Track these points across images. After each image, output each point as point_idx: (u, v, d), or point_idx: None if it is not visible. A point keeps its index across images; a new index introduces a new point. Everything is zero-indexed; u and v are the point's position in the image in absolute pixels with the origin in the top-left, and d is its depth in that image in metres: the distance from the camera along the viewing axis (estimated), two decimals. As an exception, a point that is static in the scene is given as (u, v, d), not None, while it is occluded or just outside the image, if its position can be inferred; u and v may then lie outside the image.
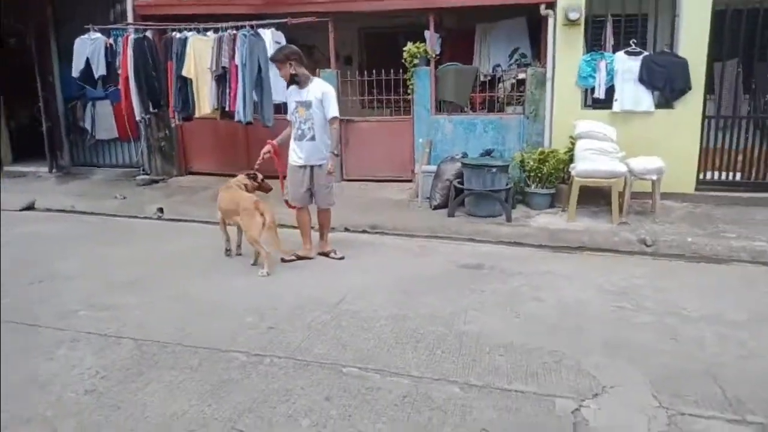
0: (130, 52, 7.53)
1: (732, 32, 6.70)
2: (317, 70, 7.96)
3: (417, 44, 7.54)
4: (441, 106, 7.89)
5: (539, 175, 6.57)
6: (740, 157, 6.87)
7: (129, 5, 8.24)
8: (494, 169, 6.23)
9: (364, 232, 6.11)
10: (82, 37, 7.70)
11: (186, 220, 6.69)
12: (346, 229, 6.12)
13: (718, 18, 6.52)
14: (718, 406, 2.81)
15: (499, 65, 8.31)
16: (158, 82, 7.72)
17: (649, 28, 7.05)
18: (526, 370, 3.14)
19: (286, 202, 5.19)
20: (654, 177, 6.19)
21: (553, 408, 2.80)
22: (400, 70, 7.68)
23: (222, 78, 7.29)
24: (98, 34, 7.70)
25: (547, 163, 6.50)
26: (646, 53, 6.75)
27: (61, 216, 7.06)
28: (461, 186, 6.43)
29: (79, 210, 7.17)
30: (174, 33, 7.49)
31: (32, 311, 3.99)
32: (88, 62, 7.64)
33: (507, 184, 6.40)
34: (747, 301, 4.15)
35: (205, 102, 7.41)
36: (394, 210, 6.73)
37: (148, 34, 7.83)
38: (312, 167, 5.01)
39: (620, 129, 6.48)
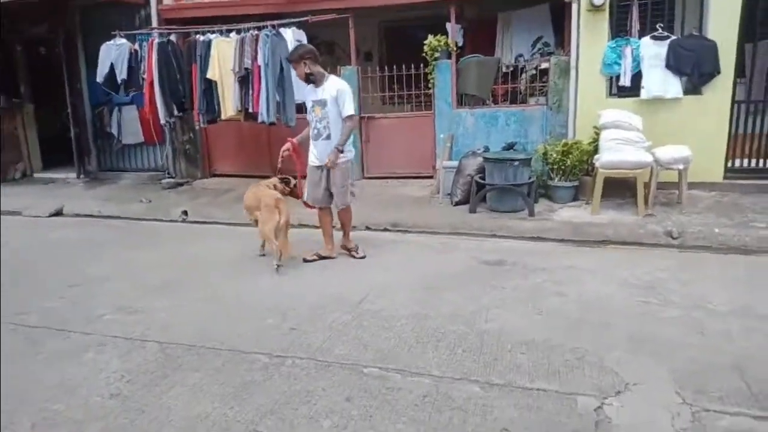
0: (154, 56, 7.66)
1: (764, 12, 6.48)
2: (338, 67, 8.01)
3: (438, 37, 7.47)
4: (462, 99, 7.82)
5: (562, 167, 6.46)
6: (771, 143, 6.65)
7: (153, 10, 8.39)
8: (516, 163, 6.15)
9: (385, 230, 6.11)
10: (107, 42, 7.88)
11: (210, 222, 6.79)
12: (367, 228, 6.12)
13: (749, -3, 6.29)
14: (744, 402, 2.74)
15: (521, 55, 8.19)
16: (182, 85, 7.84)
17: (676, 10, 6.84)
18: (548, 368, 3.11)
19: (305, 202, 5.19)
20: (681, 166, 6.03)
21: (575, 406, 2.76)
22: (421, 65, 7.63)
23: (245, 79, 7.35)
24: (123, 40, 7.86)
25: (570, 155, 6.39)
26: (673, 37, 6.56)
27: (89, 221, 7.25)
28: (483, 181, 6.37)
29: (106, 214, 7.35)
30: (197, 36, 7.59)
31: (63, 316, 4.11)
32: (112, 68, 7.81)
33: (529, 178, 6.32)
34: (778, 294, 4.02)
35: (229, 104, 7.49)
36: (415, 207, 6.71)
37: (173, 37, 7.95)
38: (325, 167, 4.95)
39: (646, 117, 6.31)
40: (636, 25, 6.88)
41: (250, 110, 7.42)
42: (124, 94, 8.30)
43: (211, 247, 5.85)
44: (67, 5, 8.71)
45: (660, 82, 6.61)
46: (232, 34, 7.44)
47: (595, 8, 6.61)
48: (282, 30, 7.26)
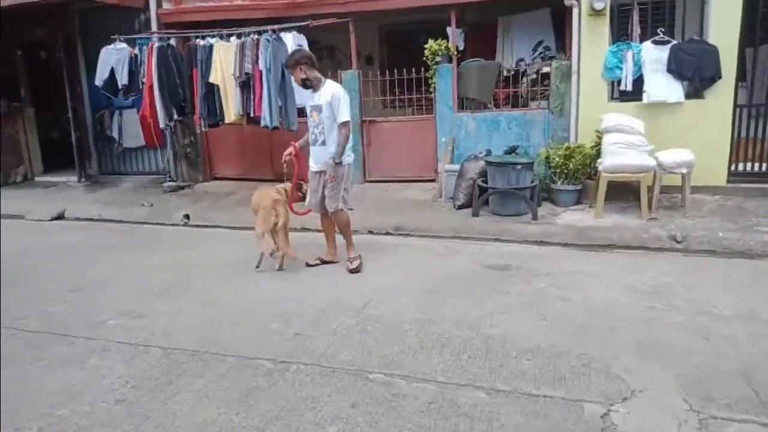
0: (154, 60, 7.66)
1: (765, 16, 6.49)
2: (339, 71, 8.01)
3: (439, 41, 7.48)
4: (464, 103, 7.83)
5: (565, 171, 6.46)
6: (774, 147, 6.66)
7: (153, 14, 8.39)
8: (519, 167, 6.15)
9: (387, 233, 6.09)
10: (107, 47, 7.89)
11: (212, 226, 6.78)
12: (370, 232, 6.11)
13: (749, 1, 6.30)
14: (752, 409, 2.72)
15: (522, 59, 8.20)
16: (182, 89, 7.83)
17: (677, 14, 6.85)
18: (554, 375, 3.09)
19: (290, 206, 5.09)
20: (684, 170, 6.03)
21: (581, 413, 2.75)
22: (422, 68, 7.63)
23: (246, 84, 7.36)
24: (124, 44, 7.87)
25: (573, 159, 6.39)
26: (674, 42, 6.57)
27: (91, 225, 7.24)
28: (485, 185, 6.36)
29: (107, 218, 7.34)
30: (198, 40, 7.59)
31: (66, 321, 4.09)
32: (112, 72, 7.81)
33: (532, 182, 6.31)
34: (783, 298, 4.02)
35: (231, 108, 7.49)
36: (418, 211, 6.70)
37: (172, 42, 7.95)
38: (324, 172, 4.86)
39: (648, 121, 6.32)
40: (637, 30, 6.91)
41: (252, 114, 7.42)
42: (123, 98, 8.30)
43: (213, 250, 5.84)
44: (66, 9, 8.70)
45: (661, 86, 6.61)
46: (233, 39, 7.45)
47: (596, 13, 6.62)
48: (282, 34, 7.26)
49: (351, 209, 5.08)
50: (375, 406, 2.86)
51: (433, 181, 7.72)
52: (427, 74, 7.64)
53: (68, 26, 9.11)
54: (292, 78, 6.82)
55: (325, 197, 4.90)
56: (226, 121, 7.64)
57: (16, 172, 9.86)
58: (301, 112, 7.06)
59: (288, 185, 5.17)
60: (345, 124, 4.68)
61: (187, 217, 7.00)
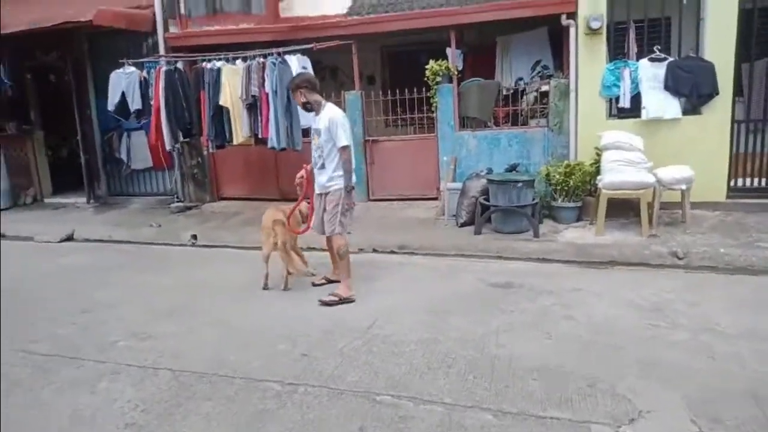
0: (161, 83, 7.80)
1: (760, 31, 6.59)
2: (342, 91, 8.14)
3: (439, 62, 7.60)
4: (465, 122, 7.93)
5: (565, 188, 6.53)
6: (773, 162, 6.72)
7: (161, 38, 8.55)
8: (520, 184, 6.23)
9: (392, 252, 6.16)
10: (117, 71, 8.04)
11: (219, 246, 6.85)
12: (374, 250, 6.18)
13: (744, 17, 6.41)
14: (761, 430, 2.74)
15: (521, 78, 8.31)
16: (188, 112, 7.96)
17: (673, 32, 6.96)
18: (561, 395, 3.12)
19: (288, 225, 5.10)
20: (683, 186, 6.09)
21: (588, 434, 2.78)
22: (423, 88, 7.75)
23: (253, 106, 7.49)
24: (132, 68, 8.02)
25: (573, 176, 6.46)
26: (670, 59, 6.68)
27: (99, 246, 7.32)
28: (487, 202, 6.44)
29: (116, 239, 7.43)
30: (205, 63, 7.73)
31: (75, 343, 4.15)
32: (123, 95, 7.95)
33: (533, 199, 6.39)
34: (786, 315, 4.05)
35: (240, 129, 7.63)
36: (421, 229, 6.77)
37: (179, 65, 8.09)
38: (325, 195, 4.87)
39: (647, 138, 6.39)
40: (633, 48, 7.01)
41: (260, 136, 7.55)
42: (136, 122, 8.42)
43: (221, 270, 5.91)
44: (75, 34, 8.87)
45: (659, 103, 6.70)
46: (238, 62, 7.59)
47: (593, 32, 6.73)
48: (287, 57, 7.40)
49: (350, 233, 5.04)
50: (383, 429, 2.90)
51: (435, 199, 7.79)
52: (428, 94, 7.75)
53: (77, 50, 9.28)
54: (296, 99, 7.04)
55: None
56: (235, 142, 7.76)
57: (26, 194, 9.97)
58: (307, 132, 7.19)
59: (305, 206, 5.22)
60: (344, 148, 4.66)
61: (194, 237, 7.08)
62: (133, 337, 4.20)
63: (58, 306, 4.97)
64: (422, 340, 3.89)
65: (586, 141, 6.85)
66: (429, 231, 6.68)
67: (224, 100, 7.55)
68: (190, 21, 8.62)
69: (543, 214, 6.71)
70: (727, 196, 6.67)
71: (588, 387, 3.20)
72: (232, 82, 7.51)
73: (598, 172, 6.39)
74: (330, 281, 5.20)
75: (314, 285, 5.15)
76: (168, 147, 8.07)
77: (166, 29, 8.55)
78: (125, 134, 9.24)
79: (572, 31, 6.94)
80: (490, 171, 7.04)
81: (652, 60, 6.71)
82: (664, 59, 6.67)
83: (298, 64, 7.37)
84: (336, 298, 4.72)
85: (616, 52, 7.06)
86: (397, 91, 7.89)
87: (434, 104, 7.77)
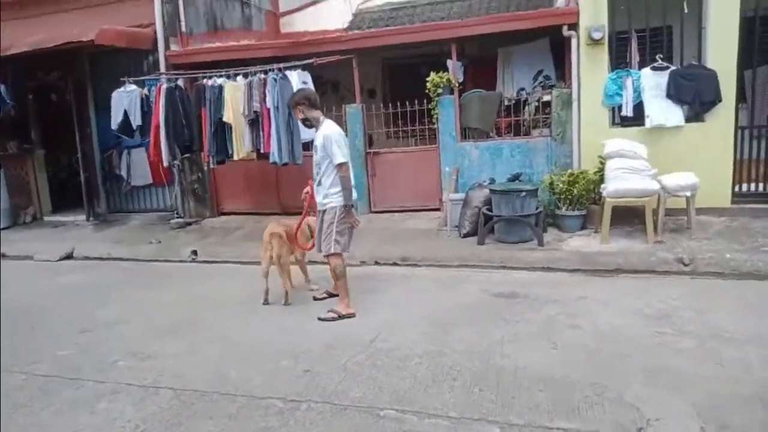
0: (162, 101, 7.81)
1: (761, 39, 6.57)
2: (343, 105, 8.14)
3: (440, 74, 7.60)
4: (467, 133, 7.91)
5: (569, 197, 6.48)
6: (778, 167, 6.67)
7: (161, 55, 8.58)
8: (523, 194, 6.18)
9: (394, 264, 6.10)
10: (118, 90, 8.07)
11: (219, 262, 6.81)
12: (377, 262, 6.13)
13: (746, 24, 6.39)
14: (772, 437, 2.68)
15: (523, 89, 8.31)
16: (188, 129, 7.97)
17: (675, 40, 6.95)
18: (568, 405, 3.06)
19: (296, 239, 5.10)
20: (688, 193, 6.04)
21: (597, 445, 2.72)
22: (424, 100, 7.74)
23: (255, 121, 7.51)
24: (133, 86, 8.05)
25: (577, 185, 6.42)
26: (673, 67, 6.66)
27: (99, 263, 7.27)
28: (490, 212, 6.39)
29: (116, 257, 7.39)
30: (206, 80, 7.74)
31: (76, 363, 4.09)
32: (126, 114, 7.97)
33: (537, 208, 6.34)
34: (795, 320, 3.98)
35: (242, 145, 7.64)
36: (424, 240, 6.72)
37: (180, 82, 8.11)
38: (324, 211, 4.80)
39: (650, 145, 6.37)
40: (635, 57, 7.01)
41: (262, 151, 7.56)
42: (139, 139, 8.43)
43: (221, 286, 5.86)
44: (77, 53, 8.92)
45: (661, 111, 6.67)
46: (239, 78, 7.60)
47: (594, 42, 6.73)
48: (288, 72, 7.41)
49: (347, 252, 4.92)
50: (387, 444, 2.84)
51: (437, 210, 7.75)
52: (429, 106, 7.74)
53: (78, 70, 9.32)
54: (297, 114, 7.03)
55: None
56: (236, 157, 7.76)
57: (26, 213, 9.96)
58: (307, 146, 7.18)
59: (313, 221, 5.17)
60: (340, 166, 4.57)
61: (195, 253, 7.04)
62: (133, 356, 4.14)
63: (58, 326, 4.92)
64: (426, 353, 3.83)
65: (590, 149, 6.82)
66: (431, 242, 6.63)
67: (228, 116, 7.56)
68: (191, 38, 8.66)
69: (547, 223, 6.65)
70: (732, 202, 6.62)
71: (595, 396, 3.13)
72: (234, 98, 7.53)
73: (601, 180, 6.35)
74: (332, 295, 5.13)
75: (315, 299, 5.10)
76: (165, 163, 8.06)
77: (167, 47, 8.58)
78: (125, 151, 9.23)
79: (574, 41, 6.94)
80: (492, 181, 7.00)
81: (654, 68, 6.70)
82: (667, 68, 6.66)
83: (298, 79, 7.39)
84: (335, 315, 4.65)
85: (618, 61, 7.05)
86: (398, 104, 7.88)
87: (435, 116, 7.76)
